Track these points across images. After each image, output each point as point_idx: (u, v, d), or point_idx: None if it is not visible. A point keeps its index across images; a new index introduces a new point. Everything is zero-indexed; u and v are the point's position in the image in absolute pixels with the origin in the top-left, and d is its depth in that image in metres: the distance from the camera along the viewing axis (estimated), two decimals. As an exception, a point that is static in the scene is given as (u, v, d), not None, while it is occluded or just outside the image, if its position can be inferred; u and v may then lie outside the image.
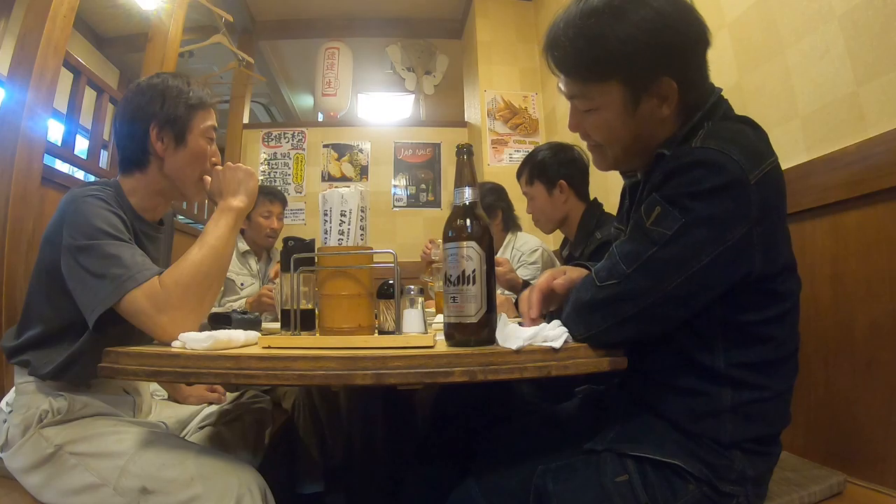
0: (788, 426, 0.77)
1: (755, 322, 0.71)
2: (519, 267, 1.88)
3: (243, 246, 2.14)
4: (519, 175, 1.67)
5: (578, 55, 0.68)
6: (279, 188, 3.20)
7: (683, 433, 0.74)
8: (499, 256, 1.98)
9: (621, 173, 0.88)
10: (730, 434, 0.71)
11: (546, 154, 1.60)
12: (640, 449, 0.75)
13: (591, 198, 1.60)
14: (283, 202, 2.19)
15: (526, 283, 1.57)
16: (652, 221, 0.65)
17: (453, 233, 0.75)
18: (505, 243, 1.98)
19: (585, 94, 0.72)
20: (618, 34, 0.65)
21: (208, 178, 1.02)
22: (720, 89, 0.74)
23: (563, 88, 0.74)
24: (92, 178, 1.91)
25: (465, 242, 0.73)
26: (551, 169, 1.55)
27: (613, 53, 0.65)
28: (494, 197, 1.96)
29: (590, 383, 1.07)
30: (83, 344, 0.91)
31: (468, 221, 0.75)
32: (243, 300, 1.98)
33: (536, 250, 1.90)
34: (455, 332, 0.74)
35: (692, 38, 0.68)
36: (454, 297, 0.73)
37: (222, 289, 1.99)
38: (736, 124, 0.73)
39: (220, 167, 1.03)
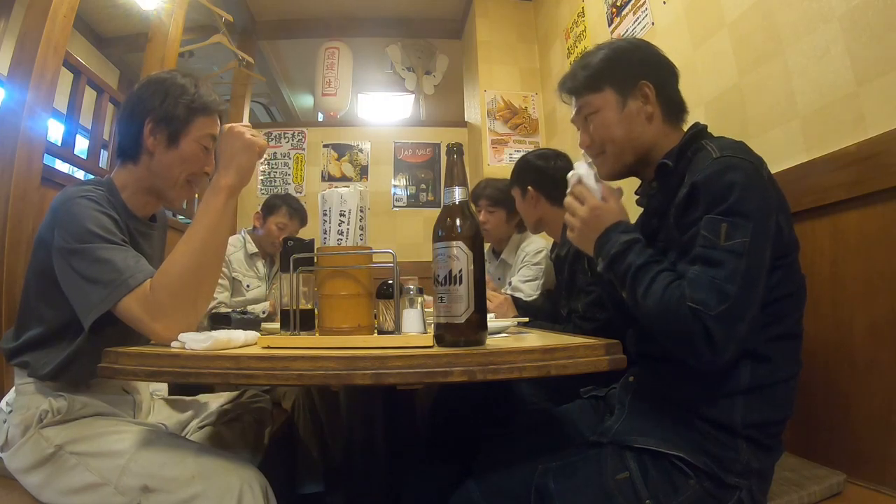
0: (790, 420, 0.78)
1: (772, 300, 0.75)
2: (522, 267, 1.89)
3: (252, 248, 2.14)
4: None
5: (576, 79, 0.94)
6: (282, 191, 3.21)
7: (693, 421, 0.76)
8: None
9: (639, 202, 0.99)
10: (741, 418, 0.74)
11: (526, 159, 1.70)
12: (645, 441, 0.77)
13: None
14: (303, 222, 2.19)
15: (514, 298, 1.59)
16: (725, 238, 0.69)
17: (443, 232, 0.75)
18: (512, 241, 2.00)
19: (589, 102, 0.92)
20: (599, 58, 0.92)
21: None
22: (705, 125, 0.90)
23: (574, 111, 0.97)
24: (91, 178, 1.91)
25: (453, 242, 0.73)
26: (524, 174, 1.66)
27: (605, 70, 0.91)
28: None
29: (595, 385, 1.07)
30: (80, 344, 0.90)
31: (457, 221, 0.74)
32: (267, 303, 1.99)
33: (541, 251, 1.91)
34: (445, 334, 0.73)
35: (658, 59, 0.92)
36: (442, 297, 0.73)
37: (229, 285, 2.00)
38: (729, 139, 0.83)
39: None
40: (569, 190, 0.91)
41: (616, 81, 0.89)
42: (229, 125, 0.94)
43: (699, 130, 0.88)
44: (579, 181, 0.90)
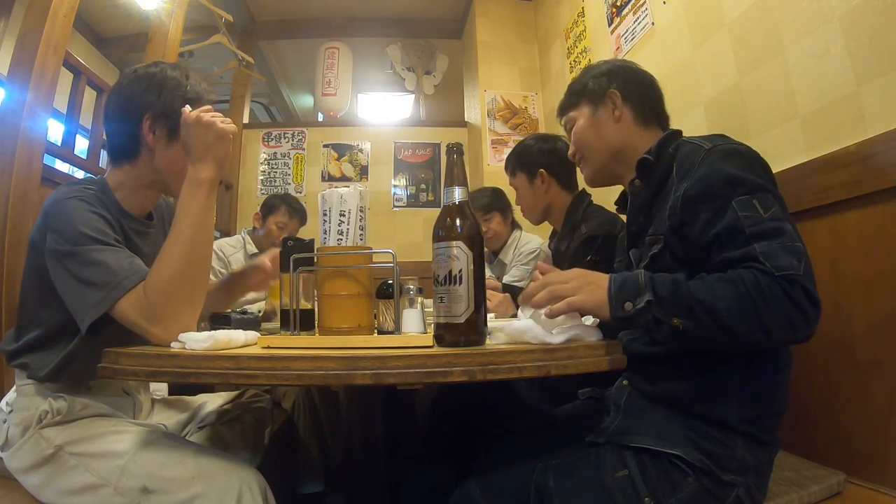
0: (788, 418, 0.78)
1: None
2: (513, 267, 1.89)
3: (252, 248, 2.14)
4: (505, 168, 1.68)
5: (562, 103, 1.09)
6: (282, 191, 3.21)
7: (688, 419, 0.76)
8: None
9: (619, 210, 1.03)
10: (736, 413, 0.74)
11: (527, 144, 1.61)
12: (641, 440, 0.77)
13: (579, 188, 1.59)
14: (303, 221, 2.19)
15: (507, 287, 1.57)
16: (763, 211, 0.72)
17: (443, 232, 0.75)
18: (510, 241, 2.00)
19: (570, 118, 1.07)
20: (582, 81, 1.05)
21: (187, 108, 0.91)
22: (679, 130, 0.95)
23: (565, 126, 1.10)
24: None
25: (453, 242, 0.73)
26: (531, 158, 1.56)
27: (581, 89, 1.04)
28: (505, 201, 1.99)
29: (593, 385, 1.07)
30: (78, 345, 0.90)
31: (457, 221, 0.74)
32: (260, 303, 1.98)
33: (534, 252, 1.90)
34: (445, 334, 0.74)
35: (627, 70, 1.01)
36: (442, 297, 0.73)
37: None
38: (708, 134, 0.86)
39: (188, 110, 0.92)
40: (521, 309, 0.83)
41: (589, 95, 1.01)
42: (195, 114, 0.89)
43: (675, 131, 0.93)
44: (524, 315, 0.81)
